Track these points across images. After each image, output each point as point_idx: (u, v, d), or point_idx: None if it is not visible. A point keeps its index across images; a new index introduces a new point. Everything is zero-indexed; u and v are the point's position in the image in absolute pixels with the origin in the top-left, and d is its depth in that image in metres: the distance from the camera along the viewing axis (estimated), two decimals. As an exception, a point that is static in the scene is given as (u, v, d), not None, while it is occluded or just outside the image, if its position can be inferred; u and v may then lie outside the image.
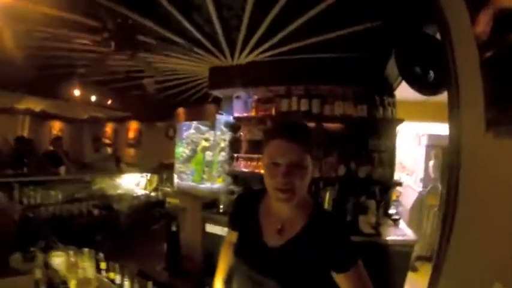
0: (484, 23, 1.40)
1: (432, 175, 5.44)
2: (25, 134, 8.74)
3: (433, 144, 5.49)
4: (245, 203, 1.54)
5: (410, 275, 3.88)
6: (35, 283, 2.23)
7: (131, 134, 10.11)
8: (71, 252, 2.79)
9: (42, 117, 9.59)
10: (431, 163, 5.47)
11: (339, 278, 1.24)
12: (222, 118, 4.48)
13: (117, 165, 7.66)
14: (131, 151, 9.99)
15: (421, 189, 5.51)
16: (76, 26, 3.74)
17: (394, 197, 4.41)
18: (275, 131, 1.30)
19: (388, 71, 3.98)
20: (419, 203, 5.39)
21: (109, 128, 10.57)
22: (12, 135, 7.95)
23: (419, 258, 5.03)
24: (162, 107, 7.70)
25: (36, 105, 8.59)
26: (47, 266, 2.65)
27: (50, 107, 8.76)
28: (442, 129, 6.01)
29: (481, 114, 1.49)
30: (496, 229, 1.42)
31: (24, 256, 2.73)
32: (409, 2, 2.61)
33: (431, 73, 2.49)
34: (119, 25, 3.52)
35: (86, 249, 2.77)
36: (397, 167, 4.45)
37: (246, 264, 1.37)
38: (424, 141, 5.64)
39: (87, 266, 2.65)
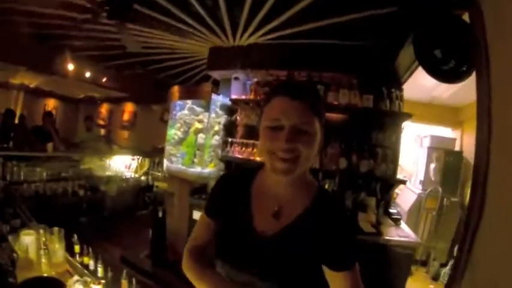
0: None
1: (433, 178, 5.21)
2: (18, 109, 8.46)
3: (435, 146, 5.27)
4: (232, 184, 1.23)
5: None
6: None
7: (126, 116, 9.86)
8: (42, 231, 2.48)
9: (37, 94, 9.34)
10: (432, 166, 5.22)
11: (331, 276, 1.01)
12: (218, 100, 4.18)
13: (109, 146, 7.37)
14: (125, 133, 9.75)
15: (420, 191, 5.26)
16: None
17: (393, 209, 4.18)
18: (279, 88, 1.06)
19: (398, 62, 3.68)
20: (418, 206, 5.17)
21: (104, 109, 10.33)
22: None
23: (415, 262, 4.84)
24: (158, 89, 7.42)
25: (32, 81, 8.36)
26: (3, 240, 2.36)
27: (45, 83, 8.54)
28: (445, 132, 5.82)
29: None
30: None
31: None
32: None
33: (453, 58, 2.20)
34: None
35: (55, 229, 2.46)
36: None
37: (230, 260, 1.11)
38: (426, 142, 5.40)
39: (56, 248, 2.35)
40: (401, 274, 3.05)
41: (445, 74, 2.28)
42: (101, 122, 10.08)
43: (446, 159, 5.14)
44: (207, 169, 4.10)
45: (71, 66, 6.26)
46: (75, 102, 10.46)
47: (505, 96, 1.52)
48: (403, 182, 3.87)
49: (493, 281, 1.46)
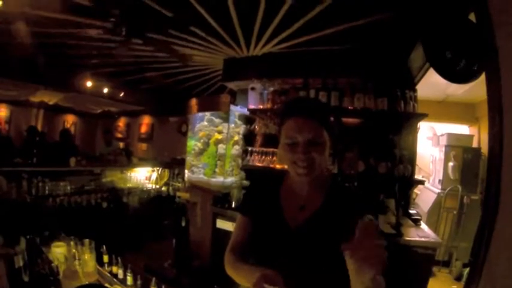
0: None
1: (451, 177, 5.20)
2: (39, 126, 8.78)
3: (453, 144, 5.25)
4: (263, 186, 1.49)
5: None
6: (16, 271, 2.07)
7: (143, 129, 10.11)
8: (72, 243, 2.63)
9: (56, 111, 9.67)
10: (450, 164, 5.21)
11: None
12: (236, 110, 4.30)
13: (129, 159, 7.57)
14: (143, 145, 9.99)
15: (439, 191, 5.26)
16: (86, 12, 3.65)
17: (413, 210, 4.20)
18: (290, 110, 1.30)
19: (410, 63, 3.77)
20: (438, 206, 5.16)
21: (121, 123, 10.60)
22: (26, 127, 7.97)
23: (437, 262, 4.82)
24: (174, 101, 7.60)
25: (50, 98, 8.60)
26: (38, 254, 2.50)
27: (63, 100, 8.78)
28: (462, 129, 5.82)
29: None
30: None
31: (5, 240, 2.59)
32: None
33: (464, 58, 2.27)
34: (130, 11, 3.39)
35: (86, 241, 2.60)
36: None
37: (265, 250, 1.32)
38: (443, 141, 5.40)
39: (87, 259, 2.49)
40: (423, 275, 3.07)
41: (457, 75, 2.35)
42: (119, 136, 10.32)
43: (465, 157, 5.12)
44: (229, 178, 4.22)
45: (89, 84, 6.50)
46: (93, 118, 10.75)
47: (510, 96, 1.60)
48: (422, 182, 3.93)
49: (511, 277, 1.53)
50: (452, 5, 2.45)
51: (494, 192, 1.72)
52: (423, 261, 3.04)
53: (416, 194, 6.16)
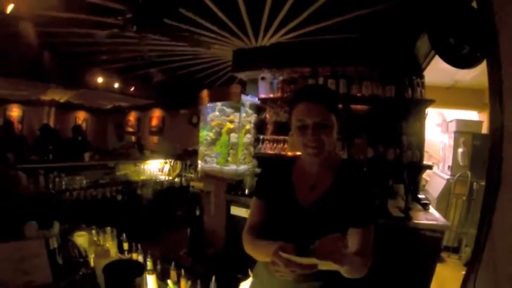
0: None
1: (461, 163, 5.27)
2: (51, 124, 9.00)
3: (462, 130, 5.30)
4: (276, 169, 1.60)
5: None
6: (51, 252, 2.23)
7: (154, 122, 10.35)
8: (94, 232, 2.81)
9: (67, 108, 9.94)
10: (460, 150, 5.28)
11: (351, 232, 1.33)
12: (247, 100, 4.45)
13: (141, 152, 7.78)
14: (154, 138, 10.23)
15: (449, 177, 5.35)
16: (97, 8, 3.82)
17: (422, 195, 4.29)
18: (300, 95, 1.43)
19: (417, 50, 3.89)
20: (447, 192, 5.24)
21: (132, 117, 10.84)
22: (38, 126, 8.20)
23: (446, 248, 4.91)
24: (184, 94, 7.78)
25: (61, 96, 8.93)
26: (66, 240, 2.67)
27: (74, 97, 9.11)
28: (471, 115, 5.88)
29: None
30: None
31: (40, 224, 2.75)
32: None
33: (467, 45, 2.39)
34: (142, 6, 3.53)
35: (108, 228, 2.77)
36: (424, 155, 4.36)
37: (279, 228, 1.44)
38: (453, 127, 5.46)
39: (109, 245, 2.66)
40: (431, 257, 3.17)
41: (460, 60, 2.46)
42: (130, 130, 10.55)
43: (474, 143, 5.17)
44: (242, 166, 4.38)
45: (99, 80, 6.70)
46: (104, 113, 11.04)
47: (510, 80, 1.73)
48: (430, 167, 4.02)
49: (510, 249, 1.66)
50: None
51: (495, 177, 1.86)
52: (431, 243, 3.13)
53: (426, 181, 6.25)
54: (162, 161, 7.46)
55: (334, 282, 1.26)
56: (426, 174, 6.03)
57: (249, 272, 1.65)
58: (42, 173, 5.27)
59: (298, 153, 1.52)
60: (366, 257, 1.29)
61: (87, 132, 10.09)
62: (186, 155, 7.60)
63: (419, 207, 3.63)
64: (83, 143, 6.97)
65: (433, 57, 3.67)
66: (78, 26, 4.36)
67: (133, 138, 10.15)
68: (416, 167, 3.84)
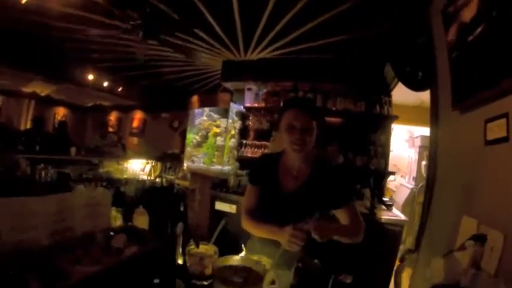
0: (452, 32, 2.06)
1: (424, 174, 5.94)
2: (29, 118, 9.23)
3: (426, 145, 5.95)
4: (267, 161, 2.04)
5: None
6: None
7: (135, 123, 10.71)
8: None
9: (47, 103, 10.16)
10: (423, 163, 5.98)
11: (336, 212, 1.83)
12: (234, 107, 5.07)
13: (124, 151, 8.16)
14: (134, 140, 10.57)
15: (413, 186, 6.05)
16: (105, 12, 4.30)
17: (388, 195, 4.92)
18: (291, 103, 1.91)
19: (386, 73, 4.67)
20: (411, 200, 5.90)
21: (113, 117, 11.14)
22: (17, 118, 8.45)
23: (410, 251, 5.55)
24: (168, 98, 8.21)
25: (43, 89, 9.16)
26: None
27: (55, 92, 9.34)
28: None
29: (450, 96, 2.15)
30: (460, 180, 2.09)
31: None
32: (404, 20, 3.36)
33: (419, 72, 3.10)
34: (149, 14, 4.04)
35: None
36: (393, 168, 5.10)
37: (269, 210, 1.91)
38: (418, 142, 6.17)
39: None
40: (393, 247, 3.85)
41: (416, 84, 3.17)
42: (110, 130, 10.79)
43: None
44: (227, 167, 4.99)
45: (90, 77, 7.15)
46: (84, 111, 11.33)
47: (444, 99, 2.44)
48: (393, 173, 4.76)
49: (442, 227, 2.32)
50: (408, 32, 3.30)
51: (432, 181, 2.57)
52: (393, 235, 3.84)
53: (393, 191, 6.95)
54: (144, 161, 7.90)
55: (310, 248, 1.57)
56: (393, 186, 6.76)
57: (242, 246, 1.98)
58: (29, 164, 5.60)
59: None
60: (356, 227, 1.79)
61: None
62: (165, 158, 8.00)
63: (384, 207, 4.31)
64: (67, 139, 7.34)
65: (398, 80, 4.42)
66: (79, 23, 4.75)
67: (116, 137, 10.43)
68: (382, 173, 4.57)
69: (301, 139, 1.75)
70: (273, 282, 1.51)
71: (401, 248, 4.59)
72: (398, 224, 3.89)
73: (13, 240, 1.10)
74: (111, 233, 1.40)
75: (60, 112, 10.72)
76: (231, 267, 1.26)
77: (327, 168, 1.92)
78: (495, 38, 1.66)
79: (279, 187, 1.90)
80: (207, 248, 1.55)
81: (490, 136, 1.72)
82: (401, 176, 6.89)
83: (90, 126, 11.42)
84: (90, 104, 10.79)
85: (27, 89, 9.07)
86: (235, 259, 1.33)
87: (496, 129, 1.66)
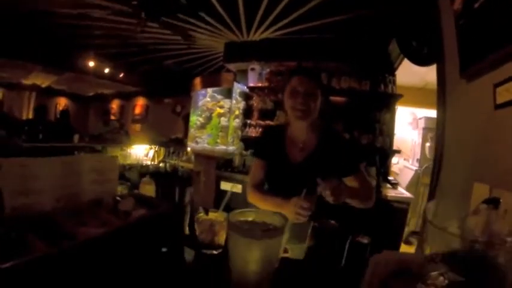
0: (458, 1, 2.04)
1: (428, 156, 5.93)
2: (30, 109, 9.22)
3: (430, 126, 5.94)
4: (272, 133, 2.03)
5: (405, 248, 4.52)
6: None
7: (138, 110, 10.72)
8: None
9: (48, 94, 10.17)
10: (427, 144, 5.95)
11: (345, 180, 1.80)
12: (238, 87, 5.04)
13: (127, 137, 8.17)
14: (137, 126, 10.59)
15: (417, 168, 6.02)
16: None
17: (392, 177, 4.90)
18: (295, 71, 1.88)
19: (390, 51, 4.62)
20: (416, 181, 5.89)
21: (115, 105, 11.14)
22: (18, 109, 8.44)
23: (415, 233, 5.54)
24: (171, 83, 8.18)
25: (43, 81, 9.21)
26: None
27: (56, 83, 9.38)
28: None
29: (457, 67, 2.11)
30: (470, 148, 2.05)
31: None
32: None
33: (425, 46, 3.05)
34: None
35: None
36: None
37: (276, 182, 1.92)
38: (422, 124, 6.14)
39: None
40: (400, 224, 3.89)
41: (421, 59, 3.15)
42: (113, 118, 10.82)
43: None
44: (231, 147, 4.96)
45: (91, 63, 7.11)
46: (85, 100, 11.32)
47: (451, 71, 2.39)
48: (398, 152, 4.75)
49: (452, 198, 2.31)
50: (413, 6, 3.23)
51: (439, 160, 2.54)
52: (399, 213, 3.87)
53: (397, 174, 6.93)
54: (147, 146, 7.90)
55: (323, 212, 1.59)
56: (397, 169, 6.73)
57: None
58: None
59: None
60: (368, 191, 1.81)
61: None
62: (169, 143, 8.00)
63: (389, 186, 4.31)
64: (69, 127, 7.36)
65: (403, 58, 4.35)
66: (79, 7, 4.70)
67: (118, 124, 10.43)
68: (387, 152, 4.55)
69: (304, 103, 1.75)
70: (285, 251, 1.49)
71: (406, 230, 4.67)
72: (405, 202, 3.88)
73: (15, 204, 1.05)
74: (118, 198, 1.36)
75: (62, 102, 10.74)
76: (246, 221, 1.22)
77: (334, 137, 1.89)
78: (501, 1, 1.64)
79: (285, 159, 1.89)
80: (216, 215, 1.50)
81: (500, 100, 1.70)
82: (405, 159, 6.86)
83: (93, 115, 11.47)
84: (91, 93, 10.79)
85: (27, 81, 9.10)
86: (250, 213, 1.29)
87: (505, 93, 1.65)
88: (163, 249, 1.28)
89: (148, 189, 1.98)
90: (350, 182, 1.80)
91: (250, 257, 0.97)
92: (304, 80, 1.77)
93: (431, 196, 2.66)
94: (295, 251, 1.51)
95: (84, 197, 1.28)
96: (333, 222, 1.45)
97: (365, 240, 1.35)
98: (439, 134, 2.60)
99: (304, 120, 1.81)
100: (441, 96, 2.56)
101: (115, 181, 1.46)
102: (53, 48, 6.67)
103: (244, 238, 0.96)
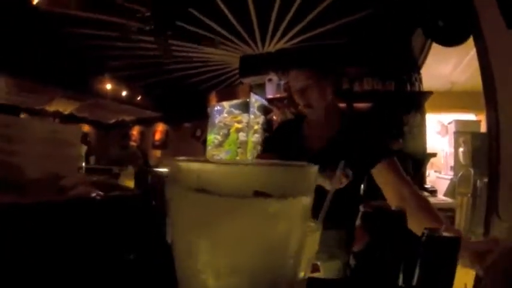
0: None
1: (462, 162, 5.49)
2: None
3: (461, 130, 5.54)
4: (287, 128, 1.89)
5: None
6: None
7: (158, 136, 10.59)
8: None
9: (71, 120, 10.05)
10: (460, 150, 5.52)
11: (374, 172, 1.53)
12: (256, 99, 4.82)
13: (146, 162, 8.02)
14: (157, 152, 10.43)
15: (452, 176, 5.57)
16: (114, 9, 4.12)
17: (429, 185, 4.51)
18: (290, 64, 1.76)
19: (412, 46, 4.31)
20: (452, 190, 5.43)
21: (135, 131, 11.03)
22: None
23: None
24: (189, 106, 8.06)
25: (66, 107, 9.26)
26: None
27: (78, 110, 9.44)
28: (468, 117, 6.14)
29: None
30: None
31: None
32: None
33: (454, 24, 2.74)
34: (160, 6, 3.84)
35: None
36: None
37: None
38: (452, 128, 5.71)
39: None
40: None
41: (450, 39, 2.83)
42: (133, 144, 10.76)
43: (474, 142, 5.39)
44: (250, 163, 4.66)
45: (108, 86, 7.05)
46: (107, 128, 11.36)
47: (500, 49, 2.04)
48: (434, 155, 4.38)
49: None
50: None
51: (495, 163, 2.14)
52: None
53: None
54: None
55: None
56: (429, 182, 6.27)
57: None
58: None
59: None
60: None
61: (91, 146, 10.32)
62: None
63: (427, 193, 3.93)
64: (88, 148, 7.27)
65: (427, 53, 4.03)
66: (93, 27, 4.64)
67: (135, 147, 10.32)
68: (420, 157, 4.13)
69: (303, 99, 1.62)
70: (315, 269, 1.15)
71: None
72: (449, 208, 3.49)
73: None
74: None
75: (84, 129, 10.73)
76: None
77: (358, 121, 1.71)
78: None
79: (303, 149, 1.70)
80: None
81: None
82: (435, 171, 6.39)
83: (113, 141, 11.43)
84: (112, 121, 10.79)
85: (50, 108, 9.15)
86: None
87: None
88: (130, 256, 0.84)
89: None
90: (375, 174, 1.53)
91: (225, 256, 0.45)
92: (296, 75, 1.64)
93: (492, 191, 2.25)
94: (326, 270, 1.17)
95: (29, 173, 0.93)
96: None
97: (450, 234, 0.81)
98: (491, 116, 2.22)
99: (313, 111, 1.66)
100: (487, 73, 2.19)
101: (75, 159, 1.09)
102: (70, 71, 6.57)
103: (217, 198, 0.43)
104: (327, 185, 1.21)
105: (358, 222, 0.79)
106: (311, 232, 0.61)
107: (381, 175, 1.52)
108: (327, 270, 1.18)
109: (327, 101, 1.64)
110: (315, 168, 0.51)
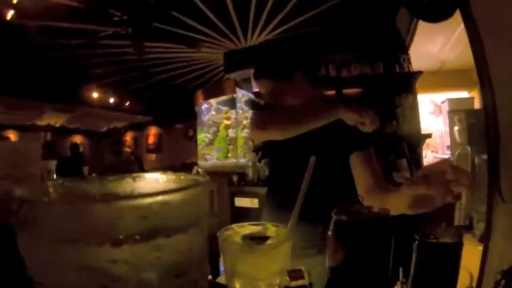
0: None
1: (458, 140, 5.37)
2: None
3: (455, 108, 5.41)
4: None
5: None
6: None
7: (151, 139, 10.53)
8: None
9: (63, 133, 10.09)
10: (456, 128, 5.39)
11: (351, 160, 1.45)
12: (243, 94, 4.70)
13: (141, 167, 7.90)
14: (152, 156, 10.40)
15: (449, 156, 5.45)
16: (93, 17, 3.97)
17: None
18: (254, 73, 1.64)
19: (398, 26, 4.16)
20: None
21: (128, 137, 10.92)
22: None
23: (456, 227, 4.97)
24: (179, 107, 7.95)
25: (57, 120, 9.17)
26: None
27: (69, 121, 9.34)
28: (461, 95, 6.02)
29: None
30: None
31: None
32: None
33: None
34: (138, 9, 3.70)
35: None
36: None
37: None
38: (445, 108, 5.59)
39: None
40: (446, 216, 3.34)
41: (436, 14, 2.67)
42: (127, 150, 10.64)
43: (469, 119, 5.28)
44: (242, 159, 4.52)
45: (95, 95, 6.91)
46: (100, 136, 11.21)
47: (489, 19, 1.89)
48: (429, 136, 4.24)
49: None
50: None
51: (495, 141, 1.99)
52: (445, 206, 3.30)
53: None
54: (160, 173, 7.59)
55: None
56: (425, 163, 6.14)
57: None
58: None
59: None
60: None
61: (84, 155, 10.21)
62: (184, 169, 7.70)
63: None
64: (81, 159, 7.13)
65: (413, 32, 3.88)
66: (74, 36, 4.50)
67: (129, 153, 10.24)
68: (415, 138, 4.01)
69: (277, 102, 1.52)
70: (301, 277, 0.91)
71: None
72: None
73: None
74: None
75: (77, 140, 10.60)
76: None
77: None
78: None
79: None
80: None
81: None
82: (432, 151, 6.27)
83: (107, 149, 11.34)
84: (105, 129, 10.68)
85: (41, 122, 9.07)
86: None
87: None
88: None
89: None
90: (356, 165, 1.43)
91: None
92: (262, 83, 1.56)
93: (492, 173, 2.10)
94: (315, 268, 0.96)
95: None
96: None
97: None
98: (486, 93, 2.07)
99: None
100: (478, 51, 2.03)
101: (37, 176, 1.05)
102: (55, 83, 6.45)
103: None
104: (367, 127, 1.23)
105: (330, 231, 0.63)
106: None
107: (353, 165, 1.44)
108: (317, 266, 1.03)
109: (306, 95, 1.54)
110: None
